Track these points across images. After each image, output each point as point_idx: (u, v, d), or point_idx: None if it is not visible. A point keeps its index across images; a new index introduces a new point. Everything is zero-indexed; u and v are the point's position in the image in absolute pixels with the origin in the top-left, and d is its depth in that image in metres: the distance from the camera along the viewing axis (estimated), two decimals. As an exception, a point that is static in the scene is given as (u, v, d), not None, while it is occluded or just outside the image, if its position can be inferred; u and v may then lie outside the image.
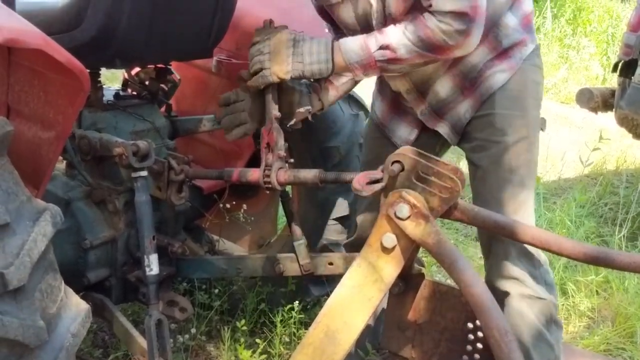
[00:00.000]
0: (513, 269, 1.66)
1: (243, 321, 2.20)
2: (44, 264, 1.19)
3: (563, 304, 2.73)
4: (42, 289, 1.17)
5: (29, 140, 1.37)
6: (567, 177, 4.58)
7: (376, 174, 1.42)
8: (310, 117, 1.71)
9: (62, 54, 1.18)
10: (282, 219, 2.66)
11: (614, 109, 3.86)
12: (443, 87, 1.66)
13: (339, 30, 1.75)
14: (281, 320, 2.25)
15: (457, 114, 1.69)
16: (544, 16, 9.19)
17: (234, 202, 2.25)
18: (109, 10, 1.55)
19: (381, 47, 1.52)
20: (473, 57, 1.61)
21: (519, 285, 1.66)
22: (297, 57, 1.55)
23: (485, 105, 1.65)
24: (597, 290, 2.77)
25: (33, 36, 1.15)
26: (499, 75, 1.63)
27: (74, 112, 1.34)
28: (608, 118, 4.27)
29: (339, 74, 1.68)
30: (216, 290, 2.38)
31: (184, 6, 1.74)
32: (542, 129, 1.73)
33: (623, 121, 3.80)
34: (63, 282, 1.26)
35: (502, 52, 1.63)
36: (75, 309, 1.25)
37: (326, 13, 1.74)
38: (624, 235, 3.21)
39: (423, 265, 2.05)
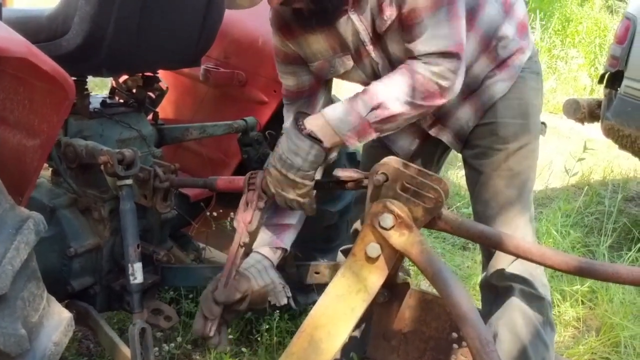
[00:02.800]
0: (515, 268, 1.68)
1: (229, 330, 2.20)
2: (26, 273, 1.19)
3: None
4: (24, 297, 1.17)
5: (13, 148, 1.36)
6: (554, 186, 4.61)
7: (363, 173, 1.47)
8: None
9: (46, 63, 1.19)
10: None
11: (600, 120, 3.90)
12: None
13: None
14: (267, 329, 2.25)
15: (459, 122, 1.70)
16: (533, 27, 9.29)
17: (221, 210, 2.25)
18: (95, 19, 1.55)
19: (372, 109, 1.46)
20: (474, 69, 1.63)
21: (521, 284, 1.68)
22: (292, 170, 1.50)
23: (488, 114, 1.67)
24: (582, 300, 2.79)
25: (17, 44, 1.16)
26: (500, 84, 1.65)
27: (59, 120, 1.34)
28: (595, 128, 4.31)
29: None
30: (202, 299, 2.38)
31: (172, 14, 1.75)
32: (542, 134, 1.75)
33: (609, 132, 3.84)
34: (45, 290, 1.25)
35: (502, 62, 1.65)
36: (57, 317, 1.25)
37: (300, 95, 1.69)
38: (608, 245, 3.23)
39: (409, 275, 2.05)
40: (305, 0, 1.46)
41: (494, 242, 1.52)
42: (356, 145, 1.55)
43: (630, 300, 2.73)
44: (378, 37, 1.55)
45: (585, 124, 4.11)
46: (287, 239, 1.74)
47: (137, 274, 1.58)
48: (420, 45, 1.44)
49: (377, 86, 1.48)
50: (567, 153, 4.78)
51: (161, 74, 2.06)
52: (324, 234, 2.23)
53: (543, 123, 1.76)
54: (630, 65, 3.64)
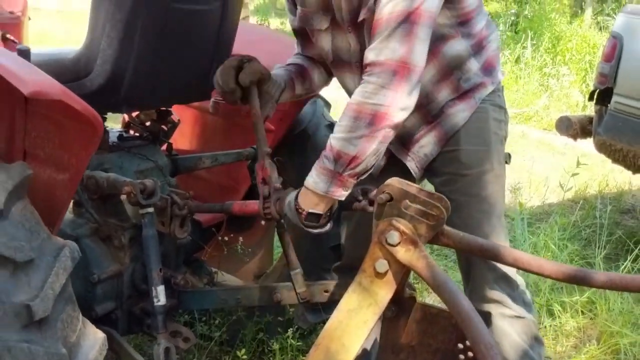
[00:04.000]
0: (493, 292, 1.77)
1: (243, 350, 2.28)
2: (65, 296, 1.29)
3: (550, 325, 2.83)
4: (63, 319, 1.27)
5: (44, 182, 1.46)
6: (551, 202, 4.71)
7: None
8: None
9: (79, 103, 1.30)
10: (277, 250, 2.76)
11: (592, 136, 4.03)
12: (409, 119, 1.66)
13: (308, 53, 1.89)
14: (280, 348, 2.33)
15: (423, 149, 1.79)
16: (524, 46, 9.49)
17: (232, 235, 2.35)
18: (116, 61, 1.67)
19: (334, 159, 1.52)
20: (436, 96, 1.74)
21: (500, 307, 1.77)
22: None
23: (451, 142, 1.76)
24: (582, 311, 2.87)
25: (53, 88, 1.27)
26: (460, 114, 1.74)
27: (87, 155, 1.44)
28: (589, 144, 4.43)
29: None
30: (216, 321, 2.46)
31: (184, 54, 1.87)
32: (507, 162, 1.85)
33: (601, 147, 3.97)
34: (80, 312, 1.35)
35: (463, 94, 1.75)
36: (92, 337, 1.35)
37: (303, 33, 1.84)
38: (604, 256, 3.32)
39: (414, 290, 2.15)
40: None
41: (493, 255, 1.62)
42: (346, 195, 1.59)
43: (627, 309, 2.81)
44: (356, 26, 1.65)
45: (578, 140, 4.24)
46: (285, 96, 1.86)
47: (160, 296, 1.67)
48: (370, 53, 1.51)
49: (331, 138, 1.54)
50: (562, 169, 4.91)
51: (173, 107, 2.18)
52: (330, 254, 2.33)
53: (508, 154, 1.86)
54: (619, 82, 3.78)
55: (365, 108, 1.49)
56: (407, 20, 1.47)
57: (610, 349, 2.64)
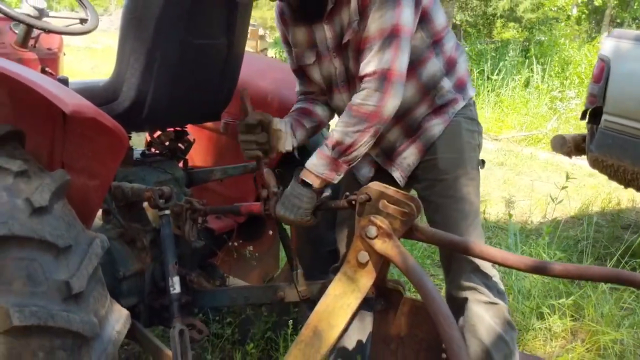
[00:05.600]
0: (469, 280, 2.00)
1: (252, 345, 2.53)
2: (95, 278, 1.57)
3: (540, 327, 3.03)
4: (94, 296, 1.54)
5: (79, 188, 1.72)
6: (554, 216, 4.90)
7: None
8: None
9: (109, 120, 1.58)
10: (283, 257, 3.02)
11: (585, 153, 4.24)
12: (392, 134, 2.02)
13: (308, 89, 2.15)
14: (285, 345, 2.57)
15: (405, 160, 2.04)
16: (532, 70, 9.74)
17: (241, 241, 2.62)
18: (139, 87, 1.95)
19: (333, 147, 1.82)
20: (415, 112, 2.00)
21: (475, 294, 2.00)
22: (294, 210, 1.87)
23: (429, 152, 2.02)
24: (570, 314, 3.07)
25: (88, 108, 1.55)
26: (435, 127, 2.00)
27: (115, 165, 1.72)
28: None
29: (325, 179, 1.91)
30: (227, 320, 2.72)
31: (198, 81, 2.14)
32: (481, 167, 2.10)
33: (595, 163, 4.17)
34: (108, 293, 1.63)
35: (437, 109, 2.01)
36: (118, 313, 1.62)
37: (300, 72, 2.12)
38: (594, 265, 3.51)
39: (403, 287, 2.38)
40: (293, 2, 1.90)
41: (462, 248, 1.86)
42: (337, 179, 1.88)
43: (609, 310, 3.01)
44: (340, 49, 1.93)
45: (573, 157, 4.44)
46: (299, 133, 2.06)
47: (175, 285, 1.93)
48: (364, 66, 1.81)
49: (332, 130, 1.85)
50: (569, 188, 5.10)
51: (188, 127, 2.48)
52: (327, 258, 2.56)
53: (482, 160, 2.10)
54: (608, 102, 3.98)
55: (362, 108, 1.79)
56: (391, 35, 1.78)
57: (594, 346, 2.82)
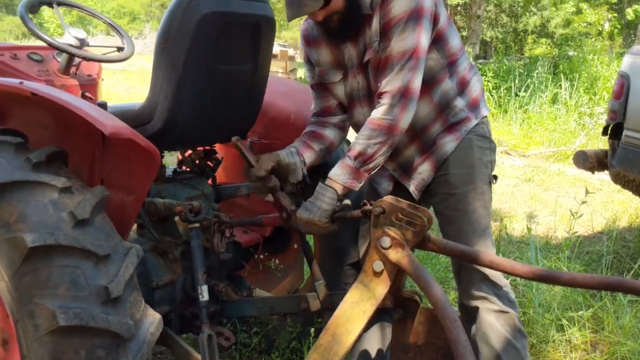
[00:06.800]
0: (480, 290, 2.09)
1: (276, 353, 2.66)
2: (131, 284, 1.72)
3: (560, 339, 3.07)
4: (130, 300, 1.69)
5: (116, 203, 1.88)
6: (579, 232, 4.91)
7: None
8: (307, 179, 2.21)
9: (143, 141, 1.74)
10: (307, 270, 3.14)
11: (608, 168, 4.28)
12: (409, 150, 2.15)
13: (324, 104, 2.27)
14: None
15: (420, 175, 2.16)
16: (561, 86, 9.73)
17: (267, 254, 2.76)
18: (171, 110, 2.11)
19: (355, 158, 1.97)
20: (430, 129, 2.12)
21: (486, 302, 2.09)
22: (314, 210, 2.00)
23: (442, 168, 2.14)
24: (588, 326, 3.11)
25: (125, 130, 1.71)
26: (448, 144, 2.12)
27: (149, 181, 1.88)
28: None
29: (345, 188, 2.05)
30: (254, 330, 2.85)
31: (225, 103, 2.29)
32: (493, 183, 2.20)
33: (617, 178, 4.20)
34: (143, 298, 1.78)
35: (450, 126, 2.13)
36: (151, 317, 1.76)
37: (319, 87, 2.25)
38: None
39: (420, 297, 2.48)
40: (331, 23, 2.00)
41: (472, 258, 1.96)
42: (359, 186, 2.03)
43: (628, 322, 3.04)
44: (362, 66, 2.08)
45: (595, 172, 4.48)
46: (308, 155, 2.19)
47: (204, 293, 2.07)
48: (386, 84, 1.95)
49: (354, 143, 1.98)
50: (594, 204, 5.11)
51: (216, 146, 2.64)
52: (350, 270, 2.69)
53: (495, 175, 2.20)
54: (628, 118, 4.02)
55: (382, 122, 1.95)
56: (412, 57, 1.93)
57: (613, 357, 2.86)
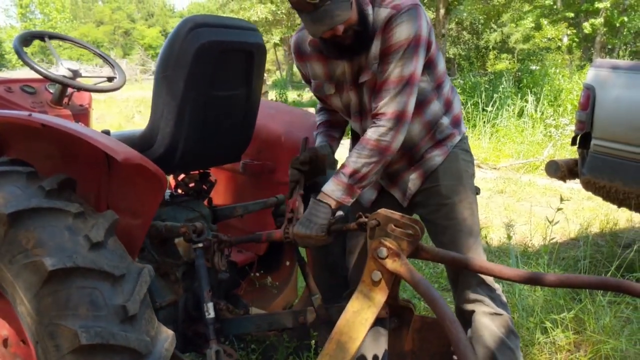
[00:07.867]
0: (475, 294, 2.22)
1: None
2: (145, 302, 1.79)
3: (545, 341, 3.20)
4: (145, 318, 1.77)
5: (124, 227, 1.94)
6: (554, 239, 5.07)
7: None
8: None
9: (152, 166, 1.82)
10: (301, 287, 3.23)
11: (578, 176, 4.47)
12: (398, 163, 2.27)
13: (329, 113, 2.42)
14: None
15: (406, 183, 2.29)
16: (526, 100, 10.06)
17: (262, 272, 2.84)
18: (172, 136, 2.19)
19: (350, 175, 2.06)
20: (420, 146, 2.25)
21: (481, 306, 2.21)
22: (310, 225, 2.08)
23: (431, 179, 2.26)
24: (571, 327, 3.25)
25: (134, 155, 1.80)
26: (436, 157, 2.26)
27: (156, 204, 1.95)
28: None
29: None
30: (252, 347, 2.92)
31: (221, 127, 2.38)
32: (477, 193, 2.35)
33: (587, 185, 4.39)
34: (155, 316, 1.85)
35: (437, 142, 2.27)
36: (165, 334, 1.84)
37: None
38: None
39: (414, 306, 2.59)
40: (347, 39, 2.05)
41: (464, 264, 2.08)
42: (351, 202, 2.13)
43: (609, 322, 3.20)
44: (357, 85, 2.19)
45: (567, 181, 4.67)
46: (335, 145, 2.37)
47: (210, 310, 2.14)
48: (383, 106, 2.05)
49: (348, 160, 2.09)
50: (566, 211, 5.30)
51: (211, 170, 2.73)
52: (343, 283, 2.78)
53: (477, 187, 2.34)
54: (596, 127, 4.22)
55: (380, 144, 2.05)
56: (408, 83, 2.05)
57: (596, 356, 3.00)
